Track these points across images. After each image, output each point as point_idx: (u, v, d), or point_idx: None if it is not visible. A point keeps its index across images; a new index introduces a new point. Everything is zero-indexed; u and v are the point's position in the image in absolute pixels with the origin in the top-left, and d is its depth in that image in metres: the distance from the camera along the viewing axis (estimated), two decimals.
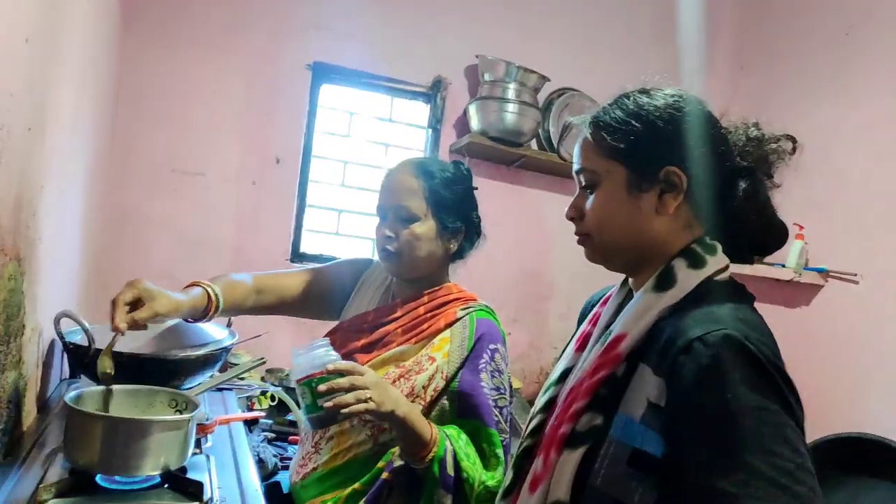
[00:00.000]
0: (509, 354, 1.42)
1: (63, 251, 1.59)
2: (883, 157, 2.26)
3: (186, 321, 1.28)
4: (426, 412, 1.24)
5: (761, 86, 2.84)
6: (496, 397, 1.24)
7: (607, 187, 0.87)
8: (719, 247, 0.86)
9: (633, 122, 0.85)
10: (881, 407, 2.14)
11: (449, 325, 1.32)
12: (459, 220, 1.37)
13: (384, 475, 1.20)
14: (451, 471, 1.14)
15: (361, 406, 1.04)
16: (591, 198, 0.88)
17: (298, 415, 1.53)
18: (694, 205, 0.85)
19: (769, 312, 2.28)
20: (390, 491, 1.19)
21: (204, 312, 1.24)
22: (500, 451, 1.20)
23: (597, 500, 0.77)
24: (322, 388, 1.04)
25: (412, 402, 1.22)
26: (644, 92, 0.88)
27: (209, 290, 1.24)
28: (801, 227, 2.36)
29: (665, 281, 0.82)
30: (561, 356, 0.99)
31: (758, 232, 0.88)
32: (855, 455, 2.07)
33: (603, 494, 0.77)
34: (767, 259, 2.41)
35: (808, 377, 2.38)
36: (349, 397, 1.04)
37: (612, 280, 1.00)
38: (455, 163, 1.45)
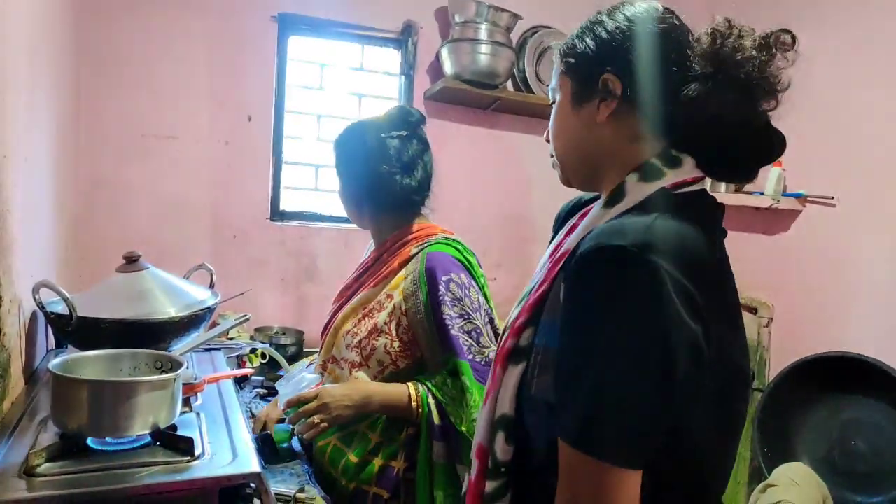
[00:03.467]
0: (494, 298, 1.43)
1: (37, 222, 1.57)
2: (856, 81, 2.25)
3: None
4: (403, 348, 1.30)
5: (736, 13, 2.79)
6: (461, 324, 1.27)
7: (558, 103, 0.88)
8: (687, 159, 0.80)
9: (585, 37, 0.85)
10: (859, 326, 2.19)
11: (403, 265, 1.36)
12: (351, 180, 1.44)
13: None
14: (437, 420, 1.22)
15: (313, 432, 1.24)
16: None
17: (289, 369, 1.57)
18: (642, 115, 0.80)
19: (749, 241, 2.31)
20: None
21: None
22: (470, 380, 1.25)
23: (533, 408, 0.78)
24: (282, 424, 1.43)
25: (377, 336, 1.30)
26: (615, 9, 0.85)
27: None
28: None
29: (616, 196, 0.80)
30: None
31: (734, 142, 0.78)
32: (835, 373, 2.13)
33: (537, 401, 0.77)
34: (746, 187, 2.43)
35: (789, 301, 2.43)
36: (300, 428, 1.26)
37: None
38: (401, 109, 1.48)
